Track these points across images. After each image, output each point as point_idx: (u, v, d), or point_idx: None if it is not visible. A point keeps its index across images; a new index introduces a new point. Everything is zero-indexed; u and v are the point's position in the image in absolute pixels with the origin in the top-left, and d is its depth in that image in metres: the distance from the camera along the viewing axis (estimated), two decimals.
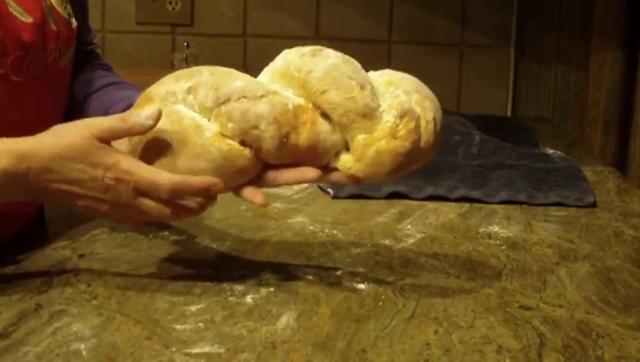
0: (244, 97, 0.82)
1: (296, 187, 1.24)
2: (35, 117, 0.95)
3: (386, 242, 1.03)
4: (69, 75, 1.03)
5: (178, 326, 0.76)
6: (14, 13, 0.89)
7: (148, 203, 0.80)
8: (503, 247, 1.03)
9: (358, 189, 1.23)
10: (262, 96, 0.82)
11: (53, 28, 0.95)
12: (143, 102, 0.84)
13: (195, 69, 0.86)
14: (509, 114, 2.15)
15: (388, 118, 0.82)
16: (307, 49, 0.85)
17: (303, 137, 0.82)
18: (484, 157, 1.41)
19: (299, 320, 0.78)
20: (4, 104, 0.90)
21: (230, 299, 0.82)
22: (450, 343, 0.75)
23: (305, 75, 0.82)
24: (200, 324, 0.76)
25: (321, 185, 1.26)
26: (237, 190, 0.85)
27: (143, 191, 0.80)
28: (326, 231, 1.07)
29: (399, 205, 1.20)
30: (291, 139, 0.82)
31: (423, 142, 0.84)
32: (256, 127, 0.81)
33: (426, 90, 0.87)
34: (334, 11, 2.12)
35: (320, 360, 0.70)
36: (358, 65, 0.85)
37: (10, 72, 0.89)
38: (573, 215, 1.19)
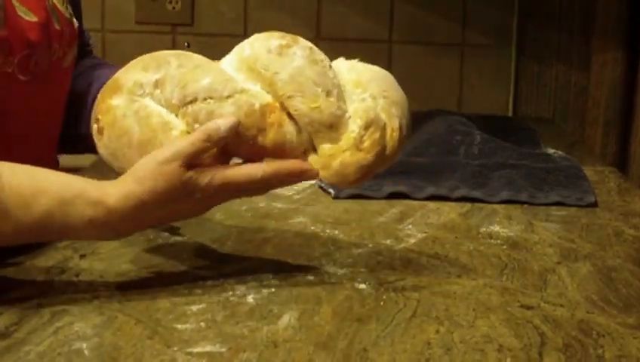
0: (211, 98, 0.82)
1: (297, 187, 1.24)
2: (40, 115, 0.95)
3: (387, 242, 1.03)
4: (71, 75, 1.03)
5: (180, 326, 0.76)
6: (19, 12, 0.89)
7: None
8: (504, 247, 1.03)
9: (359, 189, 1.23)
10: (228, 97, 0.82)
11: (57, 27, 0.95)
12: (112, 91, 0.84)
13: (162, 55, 0.86)
14: (509, 114, 2.15)
15: (353, 127, 0.82)
16: (275, 43, 0.84)
17: (269, 138, 0.83)
18: (485, 157, 1.41)
19: (300, 320, 0.78)
20: (11, 103, 0.90)
21: (231, 298, 0.82)
22: (452, 342, 0.75)
23: (271, 76, 0.82)
24: (201, 324, 0.76)
25: (322, 185, 1.26)
26: None
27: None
28: (327, 231, 1.07)
29: (400, 205, 1.20)
30: (258, 141, 0.82)
31: (387, 150, 0.84)
32: None
33: (394, 91, 0.86)
34: (335, 11, 2.12)
35: (321, 359, 0.70)
36: (326, 63, 0.84)
37: (17, 71, 0.89)
38: (574, 214, 1.19)
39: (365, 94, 0.84)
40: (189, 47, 2.03)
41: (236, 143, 0.82)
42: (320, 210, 1.16)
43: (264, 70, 0.83)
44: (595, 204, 1.23)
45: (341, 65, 0.86)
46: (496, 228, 1.11)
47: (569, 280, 0.92)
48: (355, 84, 0.84)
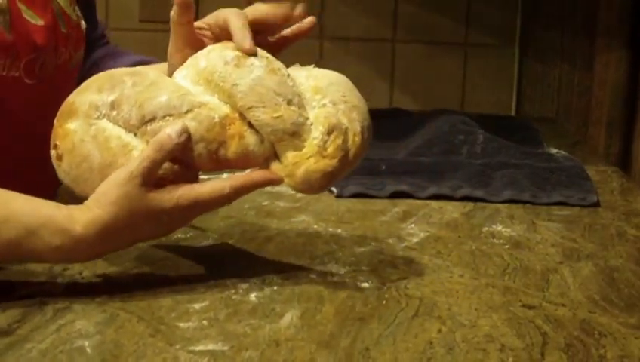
0: (170, 115, 0.81)
1: None
2: (45, 117, 0.95)
3: (390, 241, 1.03)
4: (76, 77, 1.03)
5: (182, 324, 0.76)
6: (26, 16, 0.89)
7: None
8: (507, 246, 1.03)
9: (362, 188, 1.23)
10: (187, 112, 0.81)
11: (63, 30, 0.95)
12: (67, 115, 0.83)
13: (116, 75, 0.84)
14: (512, 113, 2.15)
15: (316, 133, 0.82)
16: (231, 55, 0.83)
17: (231, 151, 0.82)
18: (488, 157, 1.41)
19: (302, 319, 0.78)
20: (17, 105, 0.90)
21: (234, 297, 0.83)
22: (454, 342, 0.75)
23: (230, 88, 0.82)
24: (204, 322, 0.76)
25: None
26: None
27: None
28: (330, 230, 1.07)
29: (403, 204, 1.20)
30: (220, 154, 0.82)
31: (350, 154, 0.83)
32: None
33: (353, 96, 0.85)
34: (338, 11, 2.12)
35: (323, 358, 0.70)
36: (285, 72, 0.84)
37: (24, 74, 0.89)
38: (577, 214, 1.19)
39: (325, 100, 0.83)
40: None
41: (200, 158, 0.82)
42: (323, 209, 1.16)
43: (222, 82, 0.82)
44: (597, 204, 1.23)
45: (297, 72, 0.86)
46: (498, 227, 1.11)
47: (571, 280, 0.92)
48: (314, 90, 0.84)
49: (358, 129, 0.84)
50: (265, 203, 1.17)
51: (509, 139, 1.49)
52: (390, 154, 1.44)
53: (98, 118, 0.82)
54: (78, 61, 1.01)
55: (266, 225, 1.07)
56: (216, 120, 0.81)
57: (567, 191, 1.26)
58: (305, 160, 0.82)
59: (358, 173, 1.27)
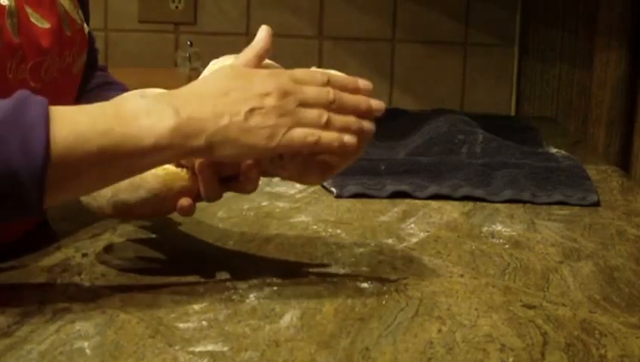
0: None
1: (299, 186, 1.24)
2: None
3: (390, 241, 1.03)
4: (79, 81, 1.03)
5: (181, 325, 0.76)
6: (32, 20, 0.89)
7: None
8: (507, 246, 1.03)
9: (362, 188, 1.23)
10: None
11: (68, 33, 0.95)
12: None
13: None
14: (512, 113, 2.15)
15: None
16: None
17: None
18: (488, 156, 1.41)
19: (302, 319, 0.78)
20: None
21: (234, 297, 0.82)
22: (454, 342, 0.75)
23: None
24: (203, 323, 0.76)
25: (324, 183, 1.26)
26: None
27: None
28: (329, 230, 1.07)
29: (402, 204, 1.20)
30: None
31: None
32: None
33: None
34: (338, 10, 2.11)
35: (323, 358, 0.70)
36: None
37: (29, 77, 0.89)
38: (577, 214, 1.19)
39: None
40: (192, 46, 2.03)
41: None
42: (322, 209, 1.16)
43: None
44: (597, 203, 1.23)
45: None
46: (498, 227, 1.11)
47: (571, 279, 0.92)
48: None
49: None
50: (264, 203, 1.17)
51: (508, 139, 1.49)
52: (390, 154, 1.44)
53: None
54: (81, 65, 1.01)
55: (266, 226, 1.07)
56: None
57: (567, 190, 1.26)
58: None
59: (357, 173, 1.28)
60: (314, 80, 0.81)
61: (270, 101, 0.77)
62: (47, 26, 0.91)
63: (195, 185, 0.84)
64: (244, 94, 0.77)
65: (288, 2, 2.12)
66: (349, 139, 0.80)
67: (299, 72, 0.81)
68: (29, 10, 0.89)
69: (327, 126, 0.79)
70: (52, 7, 0.93)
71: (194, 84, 0.80)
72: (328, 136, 0.79)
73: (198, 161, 0.82)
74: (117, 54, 2.11)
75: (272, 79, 0.79)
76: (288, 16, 2.11)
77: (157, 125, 0.74)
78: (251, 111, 0.76)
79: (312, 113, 0.79)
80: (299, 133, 0.78)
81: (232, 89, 0.77)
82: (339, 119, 0.80)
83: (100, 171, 0.75)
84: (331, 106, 0.80)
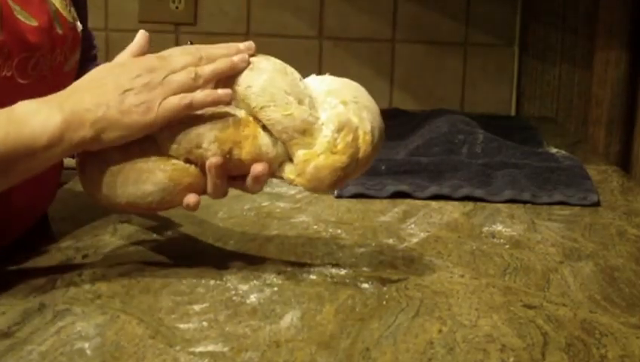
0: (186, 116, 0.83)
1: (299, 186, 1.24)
2: None
3: (390, 241, 1.03)
4: (72, 80, 1.03)
5: (182, 325, 0.76)
6: (19, 16, 0.89)
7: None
8: (507, 246, 1.03)
9: (362, 189, 1.23)
10: (202, 114, 0.83)
11: (59, 31, 0.95)
12: None
13: None
14: (512, 113, 2.15)
15: (326, 132, 0.83)
16: None
17: (245, 151, 0.83)
18: (488, 156, 1.41)
19: (303, 319, 0.78)
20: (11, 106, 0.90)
21: (234, 298, 0.82)
22: (454, 342, 0.75)
23: (244, 90, 0.84)
24: (204, 323, 0.76)
25: None
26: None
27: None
28: (330, 230, 1.07)
29: (403, 204, 1.20)
30: (234, 154, 0.83)
31: (360, 153, 0.84)
32: (198, 146, 0.83)
33: (364, 98, 0.87)
34: (338, 10, 2.11)
35: (324, 358, 0.70)
36: (297, 75, 0.86)
37: (16, 74, 0.89)
38: (577, 214, 1.19)
39: (337, 101, 0.85)
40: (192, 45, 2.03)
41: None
42: (322, 210, 1.16)
43: (237, 85, 0.84)
44: (598, 204, 1.23)
45: (312, 80, 0.88)
46: (499, 227, 1.11)
47: (572, 279, 0.92)
48: (327, 93, 0.86)
49: (369, 127, 0.84)
50: (265, 203, 1.17)
51: (509, 139, 1.49)
52: (390, 154, 1.44)
53: None
54: (74, 63, 1.01)
55: (266, 226, 1.07)
56: (230, 122, 0.83)
57: (567, 190, 1.26)
58: (315, 157, 0.83)
59: None
60: (184, 51, 0.86)
61: (140, 80, 0.82)
62: (35, 23, 0.91)
63: (202, 181, 0.84)
64: (116, 81, 0.82)
65: (288, 2, 2.12)
66: (222, 91, 0.83)
67: (170, 50, 0.86)
68: (15, 7, 0.88)
69: (197, 80, 0.83)
70: (41, 5, 0.93)
71: (76, 82, 0.85)
72: (200, 94, 0.83)
73: (208, 159, 0.82)
74: (117, 54, 2.11)
75: (140, 62, 0.84)
76: (288, 16, 2.11)
77: (46, 123, 0.79)
78: (125, 93, 0.81)
79: (180, 75, 0.83)
80: (172, 100, 0.82)
81: (106, 79, 0.83)
82: (208, 67, 0.84)
83: (1, 175, 0.79)
84: (201, 62, 0.85)
